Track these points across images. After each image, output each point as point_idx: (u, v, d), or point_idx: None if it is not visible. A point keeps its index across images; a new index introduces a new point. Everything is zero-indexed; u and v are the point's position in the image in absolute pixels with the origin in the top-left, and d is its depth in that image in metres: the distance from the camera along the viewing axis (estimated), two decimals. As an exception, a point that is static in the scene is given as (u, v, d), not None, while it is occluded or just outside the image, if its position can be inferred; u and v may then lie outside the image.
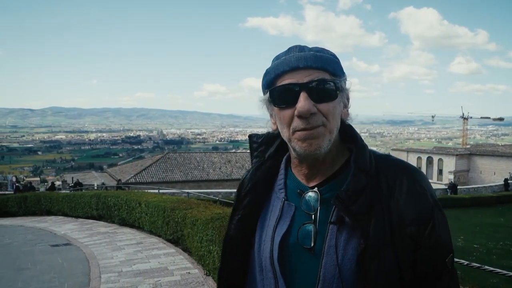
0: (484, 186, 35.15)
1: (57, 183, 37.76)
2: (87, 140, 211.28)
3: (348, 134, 1.07)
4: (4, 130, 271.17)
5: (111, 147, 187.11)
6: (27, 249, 9.33)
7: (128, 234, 10.20)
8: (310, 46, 1.03)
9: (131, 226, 11.06)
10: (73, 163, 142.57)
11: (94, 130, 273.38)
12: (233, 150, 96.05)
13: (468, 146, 67.83)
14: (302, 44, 1.05)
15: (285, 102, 0.98)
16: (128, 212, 11.04)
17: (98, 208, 12.91)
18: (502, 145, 72.51)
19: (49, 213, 16.63)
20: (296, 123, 0.96)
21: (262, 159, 1.14)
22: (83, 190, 21.41)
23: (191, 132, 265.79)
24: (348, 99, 1.05)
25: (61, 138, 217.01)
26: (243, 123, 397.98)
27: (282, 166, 1.12)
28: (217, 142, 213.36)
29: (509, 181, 34.80)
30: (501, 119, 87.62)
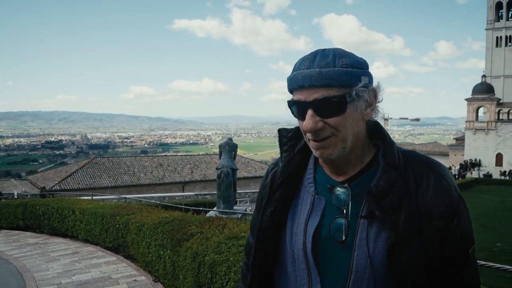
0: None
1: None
2: (2, 146, 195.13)
3: (374, 131, 1.11)
4: None
5: (29, 153, 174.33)
6: None
7: (61, 244, 9.61)
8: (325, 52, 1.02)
9: (64, 235, 10.44)
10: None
11: (10, 135, 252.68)
12: (164, 154, 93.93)
13: (389, 145, 72.01)
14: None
15: (299, 116, 1.05)
16: (60, 221, 10.41)
17: (25, 217, 12.02)
18: (418, 144, 78.28)
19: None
20: (308, 134, 1.04)
21: (292, 153, 1.18)
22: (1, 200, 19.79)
23: (117, 135, 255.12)
24: (375, 96, 1.06)
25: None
26: (173, 126, 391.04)
27: (311, 160, 1.16)
28: (146, 145, 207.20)
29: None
30: (417, 119, 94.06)
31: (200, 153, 62.27)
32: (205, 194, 30.74)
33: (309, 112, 1.00)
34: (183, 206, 10.76)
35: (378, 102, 1.08)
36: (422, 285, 0.99)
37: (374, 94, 1.06)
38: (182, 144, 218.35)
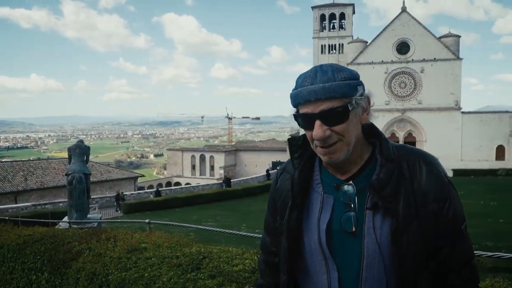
0: (251, 178, 39.73)
1: None
2: None
3: (370, 131, 1.27)
4: None
5: None
6: None
7: None
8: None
9: None
10: None
11: None
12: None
13: (233, 143, 75.71)
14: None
15: (306, 126, 1.19)
16: None
17: None
18: (259, 141, 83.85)
19: None
20: (316, 142, 1.19)
21: (303, 160, 1.31)
22: None
23: None
24: (369, 102, 1.21)
25: None
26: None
27: (317, 163, 1.32)
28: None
29: (269, 172, 40.43)
30: (257, 118, 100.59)
31: (32, 158, 55.77)
32: (44, 204, 27.64)
33: (317, 123, 1.14)
34: (43, 220, 9.53)
35: (371, 106, 1.23)
36: (422, 261, 1.15)
37: (368, 100, 1.21)
38: (8, 148, 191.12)
